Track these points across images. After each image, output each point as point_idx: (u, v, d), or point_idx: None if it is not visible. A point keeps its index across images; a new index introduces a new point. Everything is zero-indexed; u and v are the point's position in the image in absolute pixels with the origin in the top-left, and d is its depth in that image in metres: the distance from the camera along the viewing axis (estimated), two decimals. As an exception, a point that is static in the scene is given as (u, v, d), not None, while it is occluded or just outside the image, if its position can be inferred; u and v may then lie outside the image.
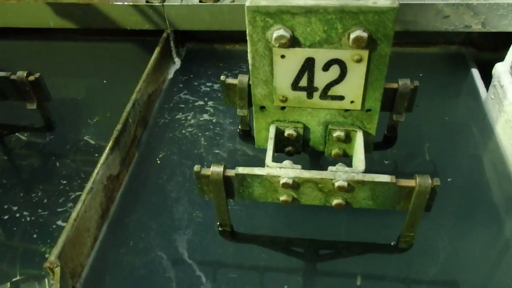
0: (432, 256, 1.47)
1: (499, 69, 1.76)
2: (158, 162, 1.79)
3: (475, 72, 2.07)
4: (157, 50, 2.06)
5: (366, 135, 1.40)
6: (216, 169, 1.27)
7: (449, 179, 1.68)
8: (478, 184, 1.67)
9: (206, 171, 1.28)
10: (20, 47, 2.51)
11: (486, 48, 2.15)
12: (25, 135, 2.05)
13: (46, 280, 1.52)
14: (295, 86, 1.29)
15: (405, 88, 1.48)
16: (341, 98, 1.31)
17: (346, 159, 1.45)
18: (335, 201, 1.27)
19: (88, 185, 1.43)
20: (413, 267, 1.45)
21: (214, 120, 1.98)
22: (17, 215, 1.71)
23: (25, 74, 1.78)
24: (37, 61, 2.42)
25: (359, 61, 1.20)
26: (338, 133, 1.39)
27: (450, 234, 1.52)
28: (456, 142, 1.85)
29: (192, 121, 1.98)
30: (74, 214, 1.34)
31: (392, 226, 1.44)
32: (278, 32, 1.16)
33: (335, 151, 1.45)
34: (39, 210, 1.71)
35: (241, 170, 1.27)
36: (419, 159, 1.82)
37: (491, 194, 1.62)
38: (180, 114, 2.03)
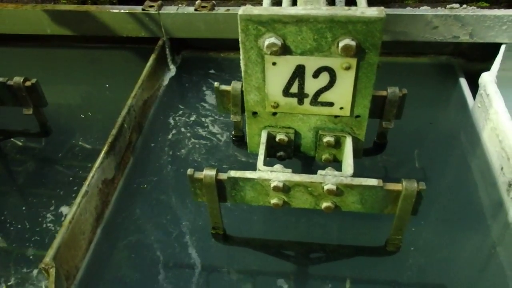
0: (419, 258, 1.51)
1: (485, 78, 1.81)
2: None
3: (464, 82, 2.12)
4: (152, 57, 2.10)
5: (355, 141, 1.44)
6: (209, 173, 1.30)
7: (437, 184, 1.72)
8: (465, 189, 1.71)
9: (199, 175, 1.31)
10: (17, 53, 2.54)
11: (474, 59, 2.21)
12: (21, 140, 2.07)
13: (42, 284, 1.54)
14: (286, 92, 1.33)
15: (394, 95, 1.52)
16: (330, 104, 1.35)
17: (336, 164, 1.49)
18: (324, 204, 1.31)
19: (83, 189, 1.46)
20: (401, 269, 1.48)
21: (208, 126, 2.01)
22: (12, 218, 1.73)
23: (21, 80, 1.80)
24: (34, 67, 2.45)
25: (348, 68, 1.25)
26: (328, 139, 1.43)
27: (438, 237, 1.56)
28: (445, 149, 1.89)
29: (187, 127, 2.02)
30: (69, 217, 1.37)
31: (381, 229, 1.48)
32: (270, 40, 1.20)
33: (325, 156, 1.48)
34: (34, 214, 1.73)
35: (233, 173, 1.30)
36: (409, 165, 1.86)
37: (478, 198, 1.66)
38: (175, 120, 2.06)
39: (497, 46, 2.03)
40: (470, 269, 1.49)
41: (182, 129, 2.01)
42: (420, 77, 2.26)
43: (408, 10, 2.01)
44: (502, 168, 1.57)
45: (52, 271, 1.23)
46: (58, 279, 1.26)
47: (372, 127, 1.62)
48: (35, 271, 1.55)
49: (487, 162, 1.70)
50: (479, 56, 2.17)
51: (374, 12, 1.16)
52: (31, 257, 1.61)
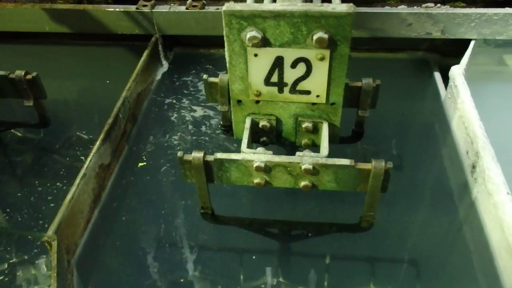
0: (392, 234, 1.65)
1: (454, 71, 1.96)
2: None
3: (438, 76, 2.27)
4: (146, 53, 2.23)
5: (331, 126, 1.58)
6: (197, 155, 1.43)
7: (411, 169, 1.87)
8: (436, 173, 1.86)
9: (188, 157, 1.44)
10: (17, 50, 2.65)
11: (448, 54, 2.35)
12: (21, 131, 2.19)
13: (43, 264, 1.66)
14: (267, 81, 1.46)
15: (368, 86, 1.66)
16: (308, 92, 1.48)
17: (316, 148, 1.62)
18: (302, 183, 1.44)
19: (82, 171, 1.58)
20: (375, 244, 1.62)
21: (198, 117, 2.14)
22: (13, 204, 1.85)
23: (23, 73, 1.93)
24: (34, 63, 2.56)
25: (322, 59, 1.38)
26: (306, 125, 1.56)
27: (409, 215, 1.70)
28: (419, 137, 2.04)
29: (178, 118, 2.15)
30: (69, 196, 1.49)
31: (355, 208, 1.61)
32: (251, 33, 1.33)
33: (304, 141, 1.62)
34: (34, 200, 1.85)
35: (219, 155, 1.43)
36: (386, 152, 2.00)
37: (447, 180, 1.81)
38: (167, 111, 2.19)
39: (468, 42, 2.17)
40: (438, 242, 1.63)
41: (174, 120, 2.14)
42: (398, 71, 2.41)
43: (385, 9, 2.15)
44: (467, 152, 1.71)
45: (54, 244, 1.35)
46: (60, 252, 1.38)
47: (352, 117, 1.76)
48: (35, 251, 1.67)
49: (455, 148, 1.84)
50: (452, 52, 2.31)
51: (344, 8, 1.30)
52: (29, 237, 1.72)
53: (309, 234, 1.65)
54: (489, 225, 1.51)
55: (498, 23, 2.09)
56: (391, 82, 2.24)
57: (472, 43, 2.12)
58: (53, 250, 1.34)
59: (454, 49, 2.31)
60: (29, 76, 1.93)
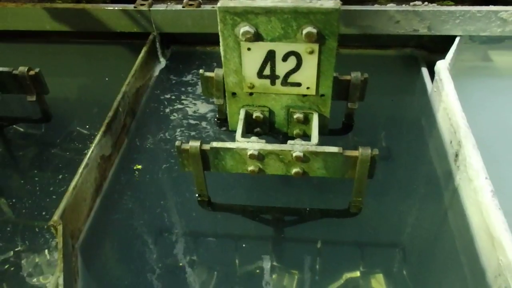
0: (380, 220, 1.74)
1: (440, 66, 2.05)
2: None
3: (425, 71, 2.36)
4: (144, 50, 2.31)
5: (321, 117, 1.67)
6: (194, 144, 1.51)
7: (398, 159, 1.96)
8: (422, 162, 1.95)
9: (186, 146, 1.52)
10: (18, 49, 2.72)
11: (435, 51, 2.44)
12: (24, 125, 2.26)
13: (47, 252, 1.74)
14: (260, 74, 1.55)
15: (356, 79, 1.75)
16: (298, 85, 1.57)
17: (307, 138, 1.71)
18: (294, 170, 1.53)
19: (84, 161, 1.66)
20: (364, 229, 1.70)
21: (195, 112, 2.23)
22: (17, 195, 1.93)
23: (26, 70, 2.00)
24: (35, 61, 2.63)
25: (311, 53, 1.47)
26: (298, 115, 1.65)
27: (397, 202, 1.79)
28: (407, 129, 2.13)
29: (176, 113, 2.23)
30: (73, 184, 1.57)
31: (345, 195, 1.69)
32: (244, 28, 1.42)
33: (296, 131, 1.71)
34: (37, 191, 1.93)
35: (215, 144, 1.52)
36: (376, 143, 2.09)
37: (432, 169, 1.90)
38: (165, 106, 2.27)
39: (454, 39, 2.27)
40: (424, 227, 1.72)
41: (172, 115, 2.22)
42: (387, 67, 2.50)
43: (374, 6, 2.24)
44: (451, 142, 1.81)
45: (60, 228, 1.43)
46: (65, 236, 1.46)
47: (342, 110, 1.85)
48: (39, 240, 1.75)
49: (440, 138, 1.93)
50: (439, 48, 2.40)
51: (331, 4, 1.39)
52: (34, 226, 1.80)
53: (301, 220, 1.74)
54: (470, 209, 1.60)
55: (481, 20, 2.19)
56: (381, 77, 2.34)
57: (457, 39, 2.21)
58: (59, 233, 1.42)
59: (440, 46, 2.39)
60: (32, 72, 2.01)
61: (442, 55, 2.32)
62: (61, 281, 1.33)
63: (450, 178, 1.79)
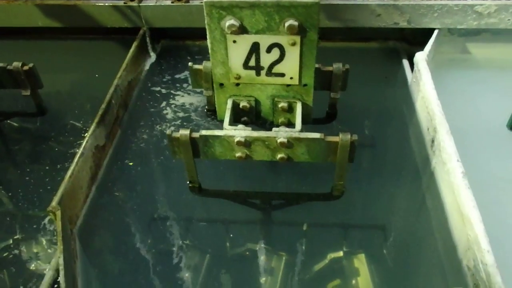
0: (362, 202, 1.84)
1: (418, 57, 2.15)
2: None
3: (406, 63, 2.47)
4: (134, 44, 2.38)
5: (305, 106, 1.76)
6: (184, 132, 1.60)
7: (380, 146, 2.06)
8: (402, 149, 2.06)
9: (176, 134, 1.60)
10: (11, 45, 2.78)
11: (416, 43, 2.54)
12: (19, 119, 2.33)
13: (44, 239, 1.81)
14: (246, 65, 1.64)
15: (338, 70, 1.85)
16: (282, 75, 1.66)
17: (291, 126, 1.80)
18: (279, 156, 1.62)
19: (80, 150, 1.74)
20: (346, 211, 1.80)
21: (185, 104, 2.31)
22: (14, 186, 2.00)
23: (20, 65, 2.07)
24: (28, 57, 2.66)
25: (293, 44, 1.56)
26: (282, 104, 1.74)
27: (377, 186, 1.89)
28: (388, 118, 2.24)
29: (166, 105, 2.31)
30: (69, 172, 1.65)
31: (328, 179, 1.79)
32: (230, 21, 1.51)
33: (281, 119, 1.80)
34: (33, 182, 2.00)
35: (204, 132, 1.60)
36: (359, 132, 2.18)
37: (412, 154, 2.01)
38: (156, 99, 2.35)
39: (433, 31, 2.37)
40: (403, 209, 1.83)
41: (163, 107, 2.30)
42: (370, 59, 2.60)
43: (356, 1, 2.34)
44: (428, 129, 1.91)
45: (58, 213, 1.51)
46: (63, 221, 1.54)
47: (325, 101, 1.95)
48: (35, 229, 1.82)
49: (419, 125, 2.04)
50: (420, 41, 2.49)
51: (311, -2, 1.48)
52: (31, 216, 1.88)
53: (288, 204, 1.83)
54: (444, 190, 1.71)
55: (458, 13, 2.30)
56: (364, 69, 2.44)
57: (435, 32, 2.32)
58: (58, 218, 1.50)
59: (421, 38, 2.49)
60: (26, 67, 2.08)
61: (422, 48, 2.42)
62: (61, 261, 1.41)
63: (427, 162, 1.90)
